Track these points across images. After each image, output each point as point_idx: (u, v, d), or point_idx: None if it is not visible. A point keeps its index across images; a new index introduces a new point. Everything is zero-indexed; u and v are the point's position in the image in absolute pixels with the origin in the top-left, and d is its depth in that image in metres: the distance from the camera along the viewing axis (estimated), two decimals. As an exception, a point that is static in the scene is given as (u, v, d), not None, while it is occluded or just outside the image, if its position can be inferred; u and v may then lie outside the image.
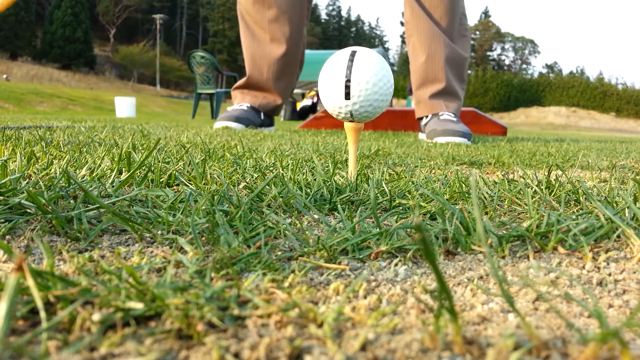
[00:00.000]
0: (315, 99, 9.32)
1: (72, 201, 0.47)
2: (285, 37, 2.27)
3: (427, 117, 2.30)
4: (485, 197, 0.58)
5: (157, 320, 0.24)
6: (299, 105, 9.59)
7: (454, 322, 0.23)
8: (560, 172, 0.89)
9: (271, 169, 0.78)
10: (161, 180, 0.62)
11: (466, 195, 0.58)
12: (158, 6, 49.85)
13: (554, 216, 0.43)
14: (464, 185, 0.62)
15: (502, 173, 0.91)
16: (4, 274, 0.30)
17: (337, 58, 0.70)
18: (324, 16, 60.62)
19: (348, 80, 0.68)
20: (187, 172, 0.71)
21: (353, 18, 62.44)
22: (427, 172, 0.83)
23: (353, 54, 0.69)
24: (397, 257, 0.37)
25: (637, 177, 0.88)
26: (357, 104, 0.69)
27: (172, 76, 44.69)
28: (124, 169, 0.68)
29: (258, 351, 0.22)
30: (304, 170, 0.74)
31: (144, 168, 0.67)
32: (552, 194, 0.60)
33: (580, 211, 0.51)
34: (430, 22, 2.18)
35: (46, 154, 0.78)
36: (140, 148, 0.93)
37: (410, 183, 0.66)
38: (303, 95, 10.05)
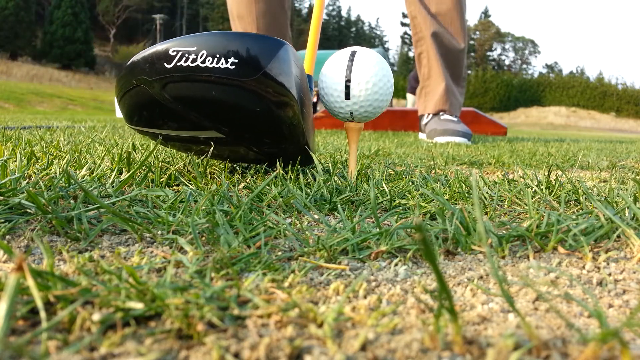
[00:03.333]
0: (315, 99, 9.31)
1: (72, 201, 0.47)
2: (265, 30, 2.25)
3: (427, 116, 2.30)
4: (485, 197, 0.58)
5: (157, 320, 0.24)
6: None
7: (454, 322, 0.23)
8: (560, 172, 0.89)
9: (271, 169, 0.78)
10: (161, 180, 0.62)
11: (466, 195, 0.58)
12: (158, 6, 49.84)
13: (554, 216, 0.43)
14: (464, 185, 0.62)
15: (502, 173, 0.91)
16: (4, 274, 0.30)
17: (337, 58, 0.70)
18: (324, 16, 60.58)
19: (348, 80, 0.68)
20: (187, 172, 0.71)
21: (353, 18, 62.44)
22: (427, 172, 0.83)
23: (353, 54, 0.69)
24: (397, 257, 0.37)
25: (637, 177, 0.88)
26: (357, 104, 0.69)
27: (172, 76, 44.45)
28: (124, 169, 0.68)
29: (258, 351, 0.22)
30: (304, 170, 0.74)
31: (144, 168, 0.67)
32: (552, 194, 0.60)
33: (580, 211, 0.51)
34: (428, 17, 2.18)
35: (46, 154, 0.78)
36: (140, 148, 0.93)
37: (410, 183, 0.66)
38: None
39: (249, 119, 0.59)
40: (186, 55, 0.54)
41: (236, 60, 0.54)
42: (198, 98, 0.56)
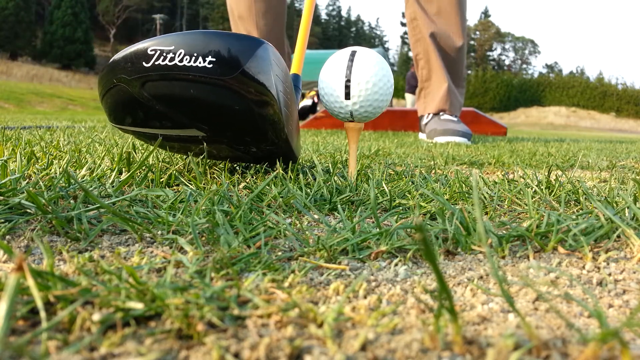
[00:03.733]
0: (315, 99, 9.32)
1: (72, 201, 0.47)
2: (267, 30, 2.25)
3: (427, 116, 2.31)
4: (485, 197, 0.58)
5: (157, 320, 0.24)
6: (299, 105, 9.58)
7: (454, 322, 0.23)
8: (560, 172, 0.89)
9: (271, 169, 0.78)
10: (161, 180, 0.62)
11: (466, 195, 0.58)
12: (158, 6, 49.85)
13: (554, 216, 0.43)
14: (464, 185, 0.62)
15: (502, 173, 0.91)
16: (4, 274, 0.30)
17: (337, 58, 0.70)
18: (324, 16, 60.61)
19: (348, 80, 0.68)
20: (187, 172, 0.71)
21: (353, 18, 62.46)
22: (427, 172, 0.83)
23: (353, 54, 0.69)
24: (397, 257, 0.37)
25: (637, 177, 0.88)
26: (357, 104, 0.69)
27: (172, 76, 44.50)
28: (124, 169, 0.68)
29: (258, 351, 0.22)
30: (304, 170, 0.74)
31: (144, 168, 0.67)
32: (552, 194, 0.60)
33: (580, 211, 0.51)
34: (427, 18, 2.19)
35: (46, 154, 0.78)
36: (140, 148, 0.93)
37: (410, 183, 0.66)
38: (303, 95, 10.03)
39: (229, 118, 0.60)
40: (164, 54, 0.54)
41: (214, 59, 0.54)
42: (176, 96, 0.57)
